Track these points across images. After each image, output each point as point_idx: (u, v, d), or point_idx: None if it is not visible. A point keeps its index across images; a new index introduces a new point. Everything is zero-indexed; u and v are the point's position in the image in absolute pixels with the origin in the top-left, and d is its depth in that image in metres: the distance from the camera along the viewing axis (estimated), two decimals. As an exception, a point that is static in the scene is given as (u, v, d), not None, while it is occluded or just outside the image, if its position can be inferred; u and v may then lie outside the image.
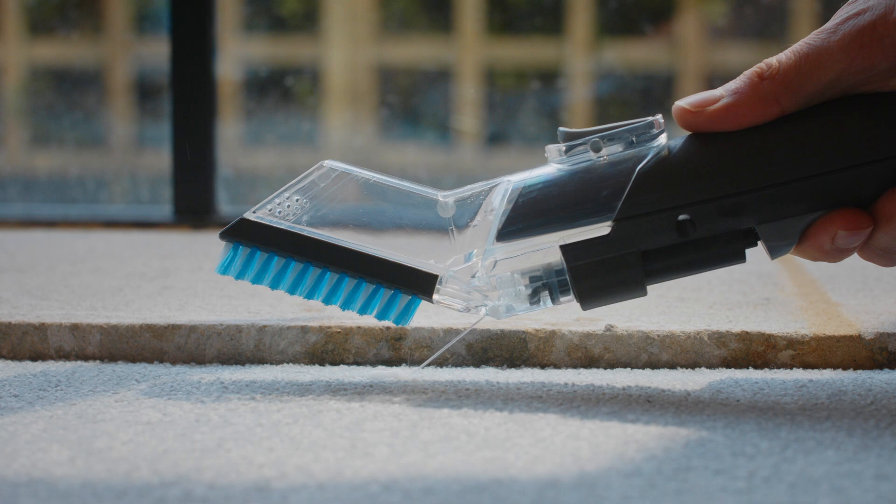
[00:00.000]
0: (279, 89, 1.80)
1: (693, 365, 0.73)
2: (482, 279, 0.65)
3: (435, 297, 0.65)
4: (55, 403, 0.64)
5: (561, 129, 0.64)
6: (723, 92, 0.62)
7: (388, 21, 1.90)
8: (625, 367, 0.73)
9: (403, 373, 0.70)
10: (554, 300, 0.65)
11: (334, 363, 0.73)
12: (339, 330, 0.73)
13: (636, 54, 1.82)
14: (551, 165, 0.64)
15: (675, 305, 0.82)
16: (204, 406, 0.63)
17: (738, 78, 0.62)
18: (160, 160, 1.52)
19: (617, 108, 1.82)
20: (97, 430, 0.58)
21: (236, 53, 1.81)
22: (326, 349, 0.73)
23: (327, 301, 0.66)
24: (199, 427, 0.59)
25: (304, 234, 0.66)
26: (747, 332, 0.73)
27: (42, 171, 1.82)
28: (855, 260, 1.08)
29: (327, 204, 0.66)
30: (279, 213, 0.66)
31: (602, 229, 0.63)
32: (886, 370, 0.72)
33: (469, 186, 0.66)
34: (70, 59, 1.86)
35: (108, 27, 1.85)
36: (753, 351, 0.73)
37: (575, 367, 0.73)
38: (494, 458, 0.54)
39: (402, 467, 0.52)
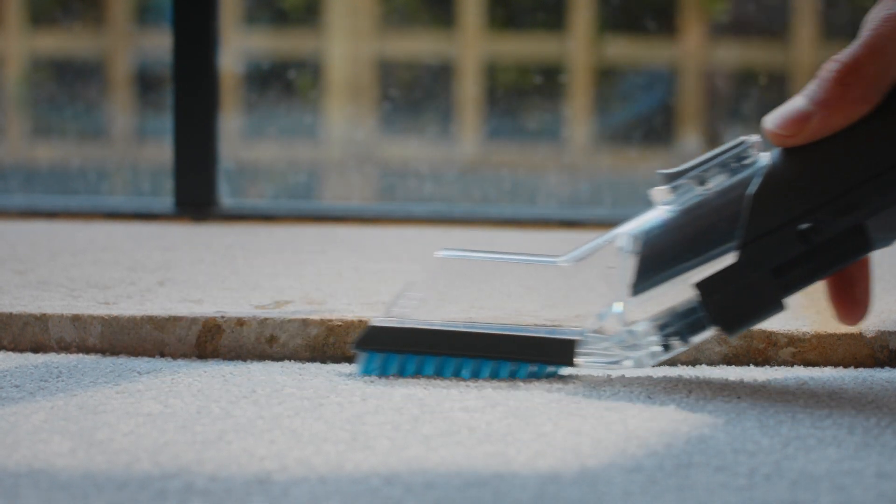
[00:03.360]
0: (281, 82, 1.80)
1: (694, 361, 0.73)
2: (620, 335, 0.66)
3: (576, 360, 0.66)
4: (56, 394, 0.64)
5: (659, 171, 0.65)
6: (810, 106, 0.62)
7: (389, 15, 1.90)
8: (626, 362, 0.73)
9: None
10: (685, 342, 0.65)
11: (335, 356, 0.73)
12: (340, 323, 0.73)
13: (638, 50, 1.82)
14: (661, 208, 0.65)
15: (676, 302, 0.82)
16: (205, 398, 0.63)
17: (819, 84, 0.62)
18: (161, 152, 1.52)
19: (618, 103, 1.82)
20: (98, 422, 0.58)
21: (238, 46, 1.81)
22: (328, 342, 0.73)
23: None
24: (200, 419, 0.59)
25: (434, 328, 0.67)
26: (748, 329, 0.73)
27: (43, 162, 1.82)
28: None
29: (449, 293, 0.67)
30: (404, 312, 0.67)
31: (729, 258, 0.63)
32: (887, 368, 0.72)
33: (585, 247, 0.66)
34: (72, 51, 1.86)
35: (109, 18, 1.85)
36: (754, 348, 0.73)
37: (576, 362, 0.73)
38: (496, 452, 0.54)
39: (404, 461, 0.52)
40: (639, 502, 0.48)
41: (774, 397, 0.64)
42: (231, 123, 1.76)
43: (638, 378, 0.68)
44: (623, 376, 0.69)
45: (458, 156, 1.82)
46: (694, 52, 1.82)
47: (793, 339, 0.72)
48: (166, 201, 1.42)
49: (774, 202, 0.63)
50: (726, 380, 0.68)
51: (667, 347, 0.66)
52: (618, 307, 0.65)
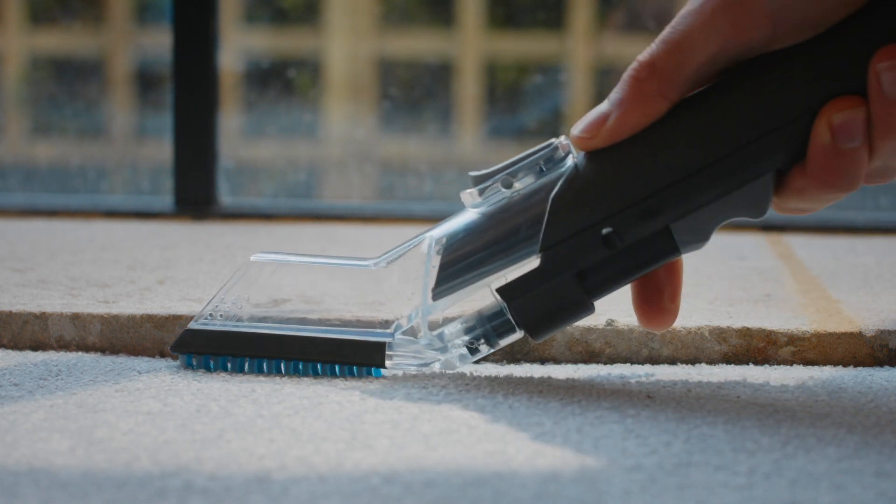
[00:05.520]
0: (281, 81, 1.80)
1: (693, 360, 0.73)
2: (427, 337, 0.65)
3: (388, 363, 0.67)
4: (56, 393, 0.64)
5: (470, 172, 0.64)
6: (609, 107, 0.61)
7: (389, 14, 1.90)
8: (625, 362, 0.73)
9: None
10: (492, 345, 0.65)
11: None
12: (338, 322, 0.73)
13: (638, 49, 1.82)
14: (469, 211, 0.64)
15: (675, 301, 0.82)
16: (204, 396, 0.63)
17: (618, 85, 0.62)
18: (161, 150, 1.52)
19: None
20: (98, 420, 0.58)
21: (238, 45, 1.81)
22: (327, 341, 0.73)
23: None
24: (199, 418, 0.59)
25: (249, 331, 0.67)
26: (748, 328, 0.73)
27: (43, 161, 1.82)
28: (856, 257, 1.08)
29: (264, 295, 0.68)
30: (220, 315, 0.68)
31: (532, 262, 0.63)
32: (887, 367, 0.72)
33: (396, 248, 0.66)
34: (71, 49, 1.86)
35: (109, 17, 1.85)
36: (754, 347, 0.73)
37: (575, 361, 0.73)
38: (495, 451, 0.54)
39: (403, 460, 0.52)
40: (638, 501, 0.48)
41: (774, 396, 0.64)
42: (231, 122, 1.76)
43: (637, 377, 0.68)
44: (623, 375, 0.69)
45: (457, 154, 1.82)
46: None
47: (792, 339, 0.72)
48: (166, 200, 1.42)
49: (575, 206, 0.62)
50: (726, 379, 0.68)
51: (473, 350, 0.66)
52: (424, 311, 0.65)
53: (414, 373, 0.68)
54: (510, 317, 0.64)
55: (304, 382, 0.66)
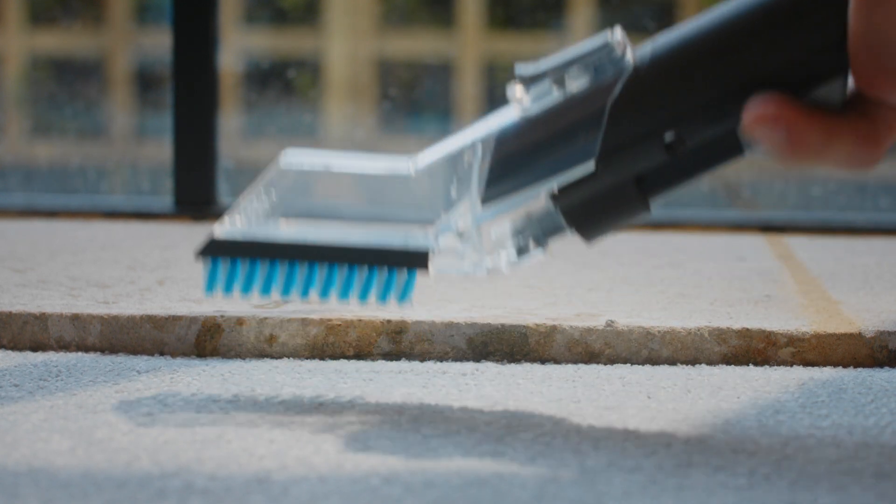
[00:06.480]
0: (280, 81, 1.80)
1: (693, 361, 0.73)
2: (473, 242, 0.62)
3: (431, 269, 0.63)
4: (56, 393, 0.64)
5: (517, 70, 0.59)
6: None
7: (389, 14, 1.90)
8: (625, 362, 0.73)
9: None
10: (542, 244, 0.61)
11: (335, 355, 0.73)
12: (339, 322, 0.73)
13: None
14: (517, 110, 0.59)
15: (675, 301, 0.82)
16: (205, 397, 0.63)
17: None
18: (161, 151, 1.52)
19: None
20: (97, 421, 0.58)
21: (238, 45, 1.81)
22: (327, 342, 0.73)
23: (324, 294, 0.64)
24: (199, 418, 0.59)
25: (280, 236, 0.63)
26: (748, 329, 0.73)
27: (43, 161, 1.82)
28: (856, 257, 1.08)
29: (297, 198, 0.63)
30: (248, 219, 0.63)
31: (588, 167, 0.58)
32: (887, 368, 0.72)
33: (439, 153, 0.61)
34: (71, 49, 1.86)
35: (109, 17, 1.85)
36: (754, 348, 0.73)
37: (575, 362, 0.73)
38: (495, 451, 0.54)
39: (403, 460, 0.52)
40: (638, 502, 0.48)
41: (774, 397, 0.64)
42: (230, 122, 1.76)
43: (637, 378, 0.68)
44: (622, 375, 0.69)
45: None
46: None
47: (792, 339, 0.72)
48: (166, 200, 1.42)
49: (636, 111, 0.57)
50: (726, 380, 0.68)
51: (521, 252, 0.62)
52: (473, 216, 0.61)
53: (458, 276, 0.64)
54: (562, 218, 0.60)
55: (304, 380, 0.66)
